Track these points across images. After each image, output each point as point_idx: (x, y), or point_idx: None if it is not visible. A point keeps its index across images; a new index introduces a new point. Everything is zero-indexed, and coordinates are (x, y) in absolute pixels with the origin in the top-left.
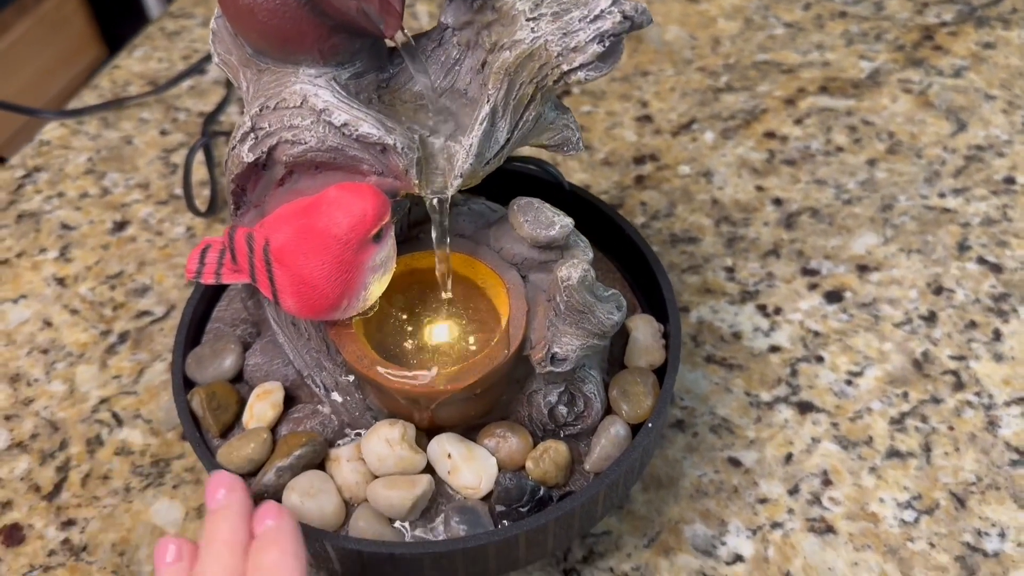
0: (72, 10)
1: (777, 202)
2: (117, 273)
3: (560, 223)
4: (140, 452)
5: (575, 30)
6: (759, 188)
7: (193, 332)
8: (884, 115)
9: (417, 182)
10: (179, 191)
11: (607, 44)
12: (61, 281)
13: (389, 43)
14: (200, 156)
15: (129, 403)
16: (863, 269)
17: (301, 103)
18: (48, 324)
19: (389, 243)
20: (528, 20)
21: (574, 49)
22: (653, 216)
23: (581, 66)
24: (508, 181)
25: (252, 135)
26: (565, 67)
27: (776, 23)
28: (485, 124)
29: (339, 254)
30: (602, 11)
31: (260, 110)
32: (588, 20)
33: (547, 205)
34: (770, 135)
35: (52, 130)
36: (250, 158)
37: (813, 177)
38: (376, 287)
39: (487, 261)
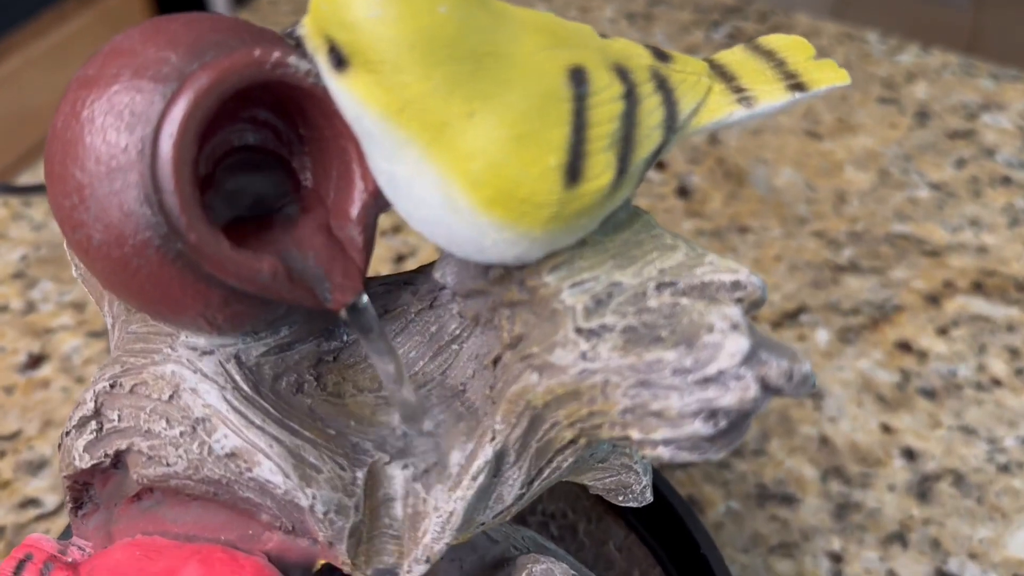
0: (137, 7)
1: (909, 454)
2: (13, 433)
3: None
4: None
5: (664, 385)
6: (885, 428)
7: None
8: None
9: (349, 561)
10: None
11: (721, 425)
12: None
13: None
14: None
15: None
16: None
17: (170, 396)
18: None
19: None
20: (579, 333)
21: (657, 414)
22: (737, 452)
23: (665, 442)
24: None
25: (94, 424)
26: (635, 435)
27: (919, 182)
28: (482, 478)
29: None
30: (721, 372)
31: (111, 386)
32: (693, 379)
33: None
34: (904, 347)
35: None
36: (85, 462)
37: (959, 421)
38: None
39: None
